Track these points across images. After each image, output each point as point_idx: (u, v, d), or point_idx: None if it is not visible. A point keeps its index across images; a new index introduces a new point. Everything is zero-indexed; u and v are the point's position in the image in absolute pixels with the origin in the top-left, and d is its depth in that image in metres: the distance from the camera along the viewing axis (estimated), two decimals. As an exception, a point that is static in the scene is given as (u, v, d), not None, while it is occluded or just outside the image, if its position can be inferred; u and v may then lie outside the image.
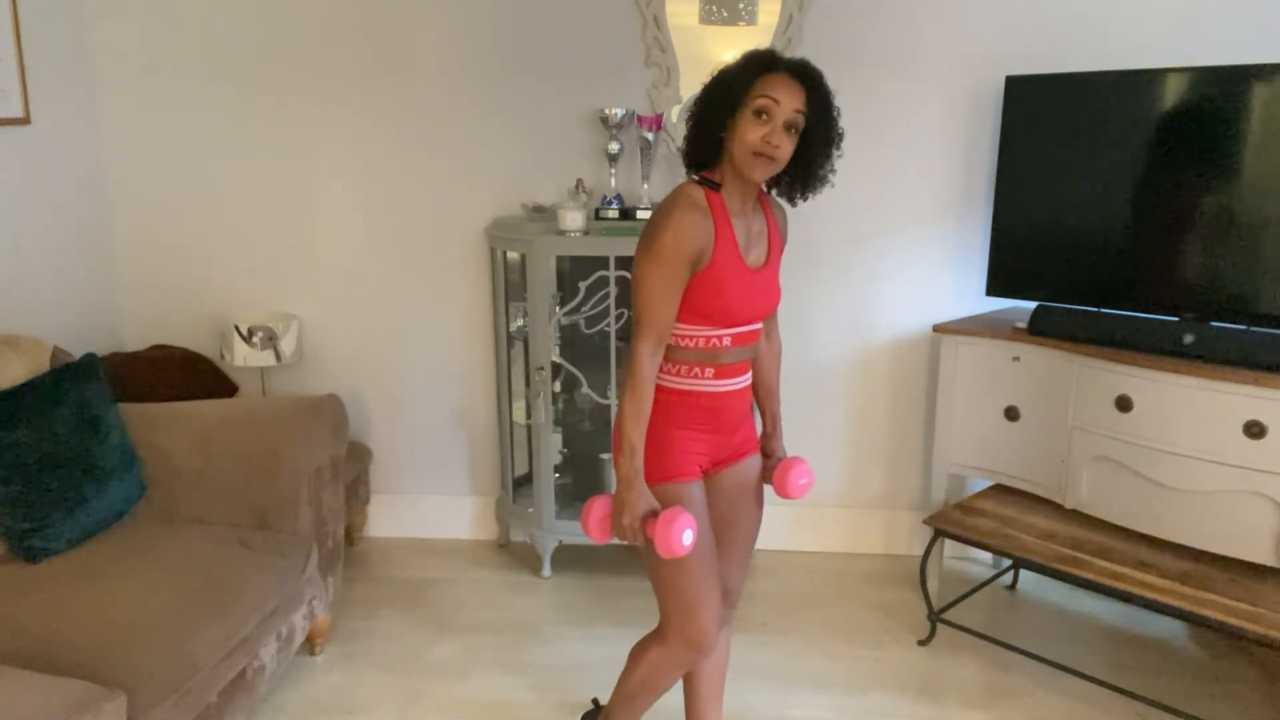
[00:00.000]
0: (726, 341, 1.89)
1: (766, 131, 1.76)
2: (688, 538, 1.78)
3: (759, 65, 1.78)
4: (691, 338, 1.88)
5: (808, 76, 1.79)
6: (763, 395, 2.16)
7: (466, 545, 3.52)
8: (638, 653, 2.09)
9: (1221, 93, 2.52)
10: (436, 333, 3.45)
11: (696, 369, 1.90)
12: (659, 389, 1.91)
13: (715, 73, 1.84)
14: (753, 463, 2.08)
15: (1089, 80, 2.74)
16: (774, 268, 1.96)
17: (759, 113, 1.76)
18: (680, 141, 1.96)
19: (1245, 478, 2.38)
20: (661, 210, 1.82)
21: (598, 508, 1.89)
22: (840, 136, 1.87)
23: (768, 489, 2.12)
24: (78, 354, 2.67)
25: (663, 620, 2.00)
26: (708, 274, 1.82)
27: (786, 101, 1.76)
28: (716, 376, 1.91)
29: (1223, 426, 2.39)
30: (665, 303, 1.80)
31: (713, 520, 2.00)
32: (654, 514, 1.82)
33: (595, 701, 2.33)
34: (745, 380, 1.98)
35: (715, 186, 1.85)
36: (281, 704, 2.56)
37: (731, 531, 2.05)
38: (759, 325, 1.95)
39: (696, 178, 1.88)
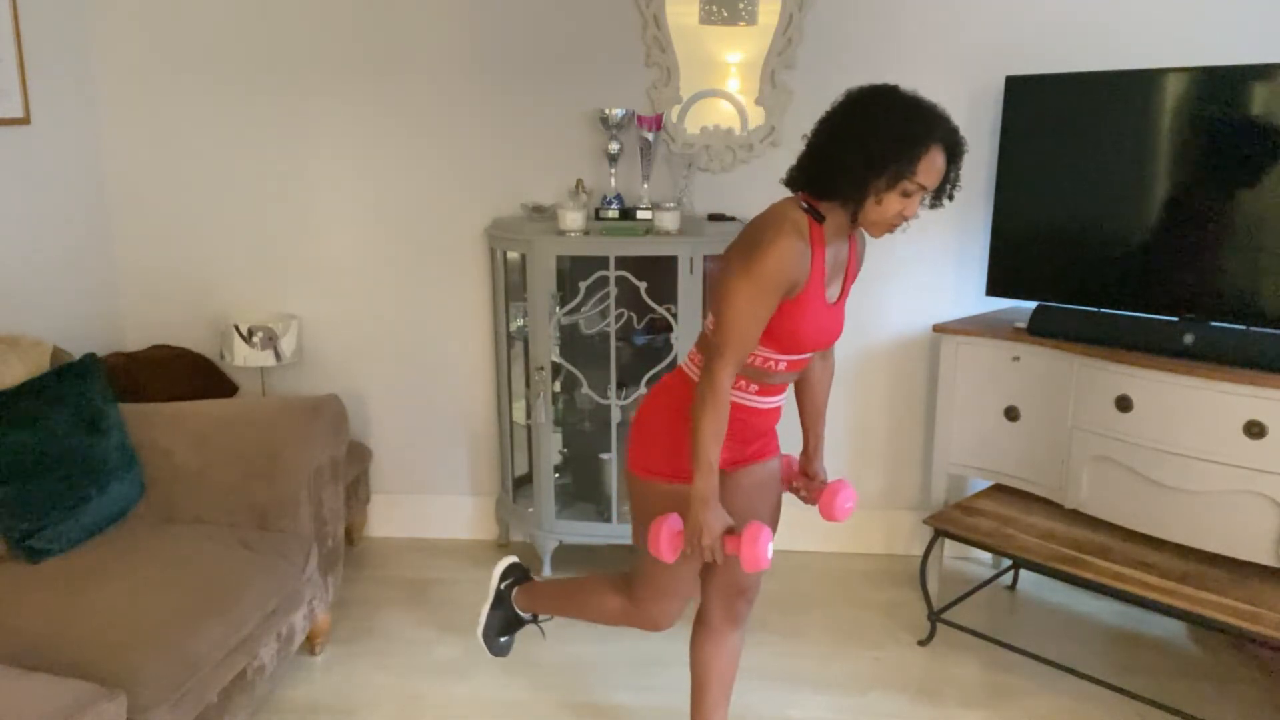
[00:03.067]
0: (782, 366, 1.90)
1: (905, 207, 1.74)
2: (770, 551, 1.78)
3: (926, 138, 1.70)
4: (750, 355, 1.87)
5: (957, 155, 1.75)
6: (810, 417, 2.14)
7: (466, 545, 3.52)
8: (598, 590, 2.14)
9: (1221, 93, 2.52)
10: (436, 332, 3.45)
11: (743, 382, 1.90)
12: (693, 386, 1.91)
13: (876, 118, 1.71)
14: (771, 465, 2.08)
15: (1089, 80, 2.74)
16: (845, 299, 1.95)
17: (907, 193, 1.73)
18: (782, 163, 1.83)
19: (1245, 478, 2.38)
20: (766, 230, 1.75)
21: (668, 528, 1.84)
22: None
23: (810, 508, 2.11)
24: (78, 354, 2.67)
25: (636, 586, 2.05)
26: (792, 304, 1.79)
27: (933, 182, 1.74)
28: (759, 393, 1.92)
29: (1223, 426, 2.39)
30: (754, 325, 1.76)
31: (731, 512, 2.01)
32: (730, 530, 1.80)
33: (531, 574, 2.41)
34: (782, 399, 1.99)
35: (820, 219, 1.80)
36: (281, 704, 2.56)
37: (753, 517, 2.05)
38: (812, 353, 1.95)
39: (805, 204, 1.81)
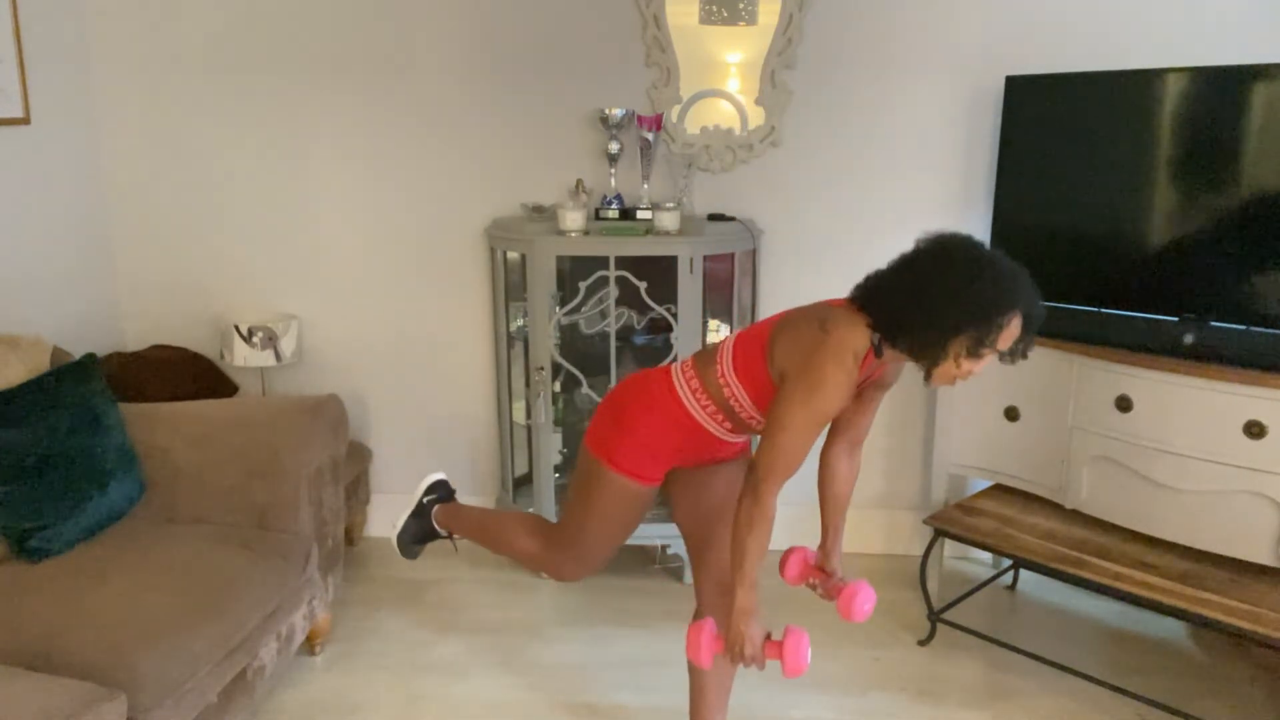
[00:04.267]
0: (756, 425, 1.95)
1: (975, 366, 1.74)
2: (809, 655, 1.83)
3: (1010, 309, 1.69)
4: (736, 399, 1.89)
5: (1034, 320, 1.74)
6: (831, 510, 2.14)
7: (466, 545, 3.51)
8: (517, 530, 2.21)
9: (1221, 93, 2.52)
10: (436, 332, 3.45)
11: (719, 414, 1.93)
12: (676, 400, 1.94)
13: (964, 286, 1.68)
14: (738, 460, 2.11)
15: (1089, 80, 2.74)
16: (860, 401, 1.98)
17: (980, 356, 1.73)
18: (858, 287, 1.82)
19: (1245, 478, 2.38)
20: (830, 360, 1.73)
21: (707, 633, 1.89)
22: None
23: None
24: (78, 354, 2.67)
25: (558, 540, 2.11)
26: None
27: (1008, 346, 1.74)
28: (731, 431, 1.97)
29: (1223, 426, 2.39)
30: (805, 450, 1.79)
31: (704, 512, 2.06)
32: (768, 636, 1.84)
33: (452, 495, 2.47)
34: (744, 439, 2.05)
35: (880, 354, 1.79)
36: (281, 704, 2.56)
37: (732, 512, 2.06)
38: None
39: (876, 340, 1.77)
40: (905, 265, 1.77)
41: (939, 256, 1.73)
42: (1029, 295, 1.71)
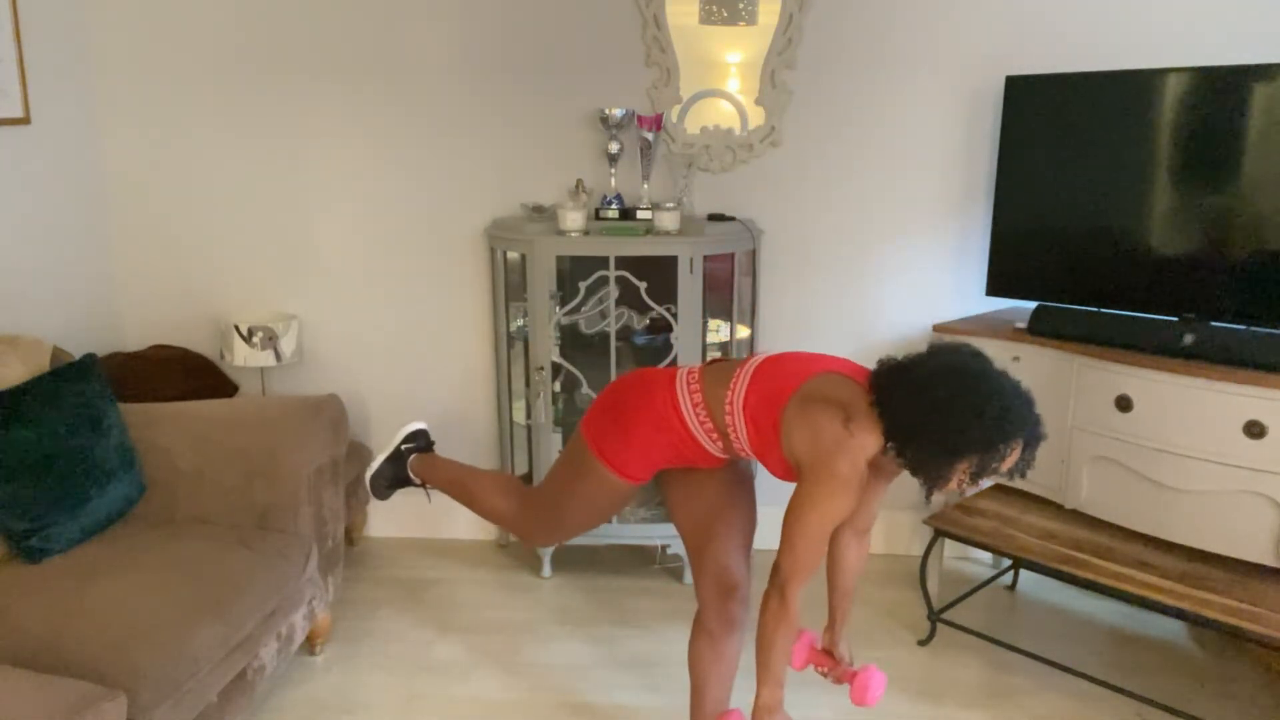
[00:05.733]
0: (745, 454, 1.96)
1: (974, 485, 1.75)
2: None
3: (1015, 436, 1.69)
4: (735, 431, 1.90)
5: (1036, 444, 1.74)
6: (838, 594, 2.13)
7: (466, 545, 3.52)
8: (492, 490, 2.23)
9: (1221, 93, 2.52)
10: (436, 332, 3.45)
11: (713, 432, 1.93)
12: (676, 409, 1.94)
13: (973, 416, 1.66)
14: (736, 466, 2.11)
15: (1089, 80, 2.74)
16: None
17: (981, 479, 1.73)
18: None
19: (1245, 478, 2.38)
20: (844, 459, 1.74)
21: None
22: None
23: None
24: (78, 354, 2.67)
25: (533, 505, 2.14)
26: None
27: (1008, 467, 1.74)
28: (723, 450, 1.97)
29: (1223, 426, 2.39)
30: (825, 547, 1.80)
31: (702, 512, 2.07)
32: None
33: (430, 445, 2.48)
34: (727, 460, 2.05)
35: (886, 454, 1.79)
36: (281, 704, 2.56)
37: (729, 512, 2.08)
38: None
39: (889, 447, 1.76)
40: (918, 386, 1.73)
41: (949, 386, 1.70)
42: (1032, 422, 1.72)
